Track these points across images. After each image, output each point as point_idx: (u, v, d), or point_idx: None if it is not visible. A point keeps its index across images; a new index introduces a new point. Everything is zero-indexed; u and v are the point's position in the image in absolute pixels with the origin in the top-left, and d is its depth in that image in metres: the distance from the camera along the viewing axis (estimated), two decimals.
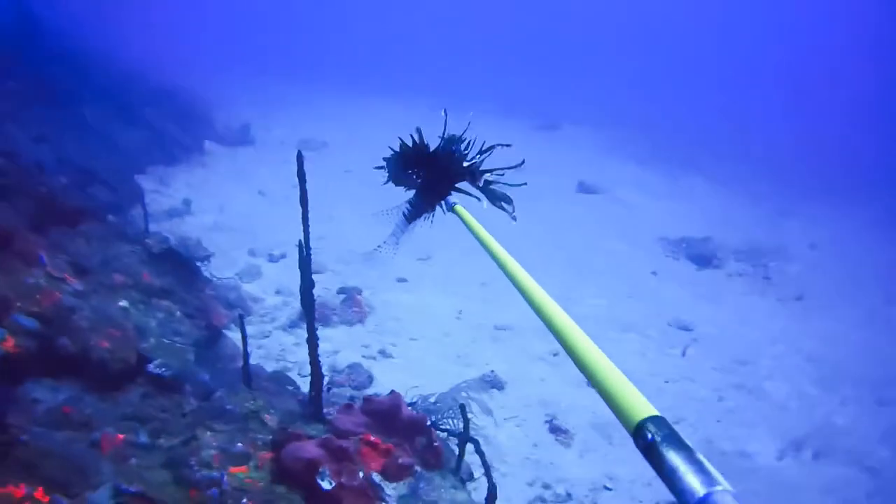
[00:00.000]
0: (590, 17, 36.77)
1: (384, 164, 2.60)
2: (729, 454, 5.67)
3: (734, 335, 7.83)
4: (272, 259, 8.50)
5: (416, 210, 2.52)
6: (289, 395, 4.84)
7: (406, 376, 6.26)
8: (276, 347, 6.51)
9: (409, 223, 2.59)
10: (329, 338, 6.77)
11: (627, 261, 9.75)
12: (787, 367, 7.24)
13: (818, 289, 9.49)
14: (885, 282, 10.30)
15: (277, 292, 7.72)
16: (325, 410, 3.96)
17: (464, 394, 4.51)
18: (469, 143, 2.32)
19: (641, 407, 0.86)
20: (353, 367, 6.09)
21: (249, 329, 6.80)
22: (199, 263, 6.29)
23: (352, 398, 4.92)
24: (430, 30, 30.79)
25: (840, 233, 12.55)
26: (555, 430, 5.72)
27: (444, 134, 2.35)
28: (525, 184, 2.39)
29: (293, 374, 6.02)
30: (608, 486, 5.19)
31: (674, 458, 0.74)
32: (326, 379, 6.03)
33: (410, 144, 2.40)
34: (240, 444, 3.43)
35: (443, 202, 2.45)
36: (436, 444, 3.56)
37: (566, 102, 20.37)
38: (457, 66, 25.50)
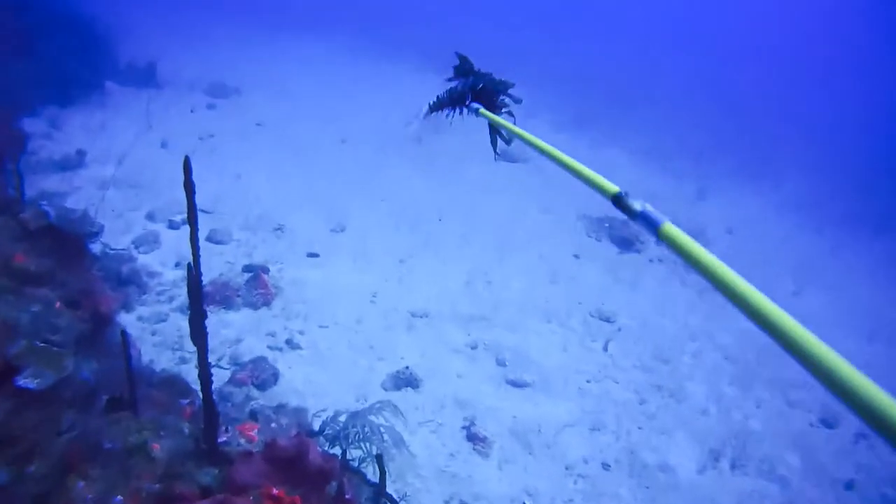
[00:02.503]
0: None
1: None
2: (651, 468, 5.48)
3: (655, 329, 7.67)
4: (173, 225, 7.82)
5: (447, 100, 2.90)
6: (181, 416, 4.35)
7: (314, 371, 5.83)
8: (174, 333, 5.94)
9: (436, 109, 2.93)
10: (231, 323, 6.25)
11: (549, 239, 9.46)
12: (706, 365, 7.12)
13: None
14: (794, 271, 10.43)
15: (177, 265, 7.10)
16: (222, 439, 3.54)
17: (372, 417, 4.12)
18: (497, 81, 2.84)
19: (611, 186, 1.36)
20: (257, 362, 5.60)
21: (143, 310, 6.24)
22: (86, 239, 5.63)
23: (252, 412, 4.47)
24: None
25: (755, 215, 12.66)
26: (472, 437, 5.40)
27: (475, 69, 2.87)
28: (521, 101, 2.86)
29: (191, 367, 5.51)
30: (527, 502, 4.95)
31: (636, 204, 1.23)
32: (227, 374, 5.56)
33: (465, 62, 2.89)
34: (119, 498, 2.98)
35: (465, 107, 2.85)
36: (347, 496, 3.18)
37: (487, 58, 19.72)
38: (378, 8, 24.49)
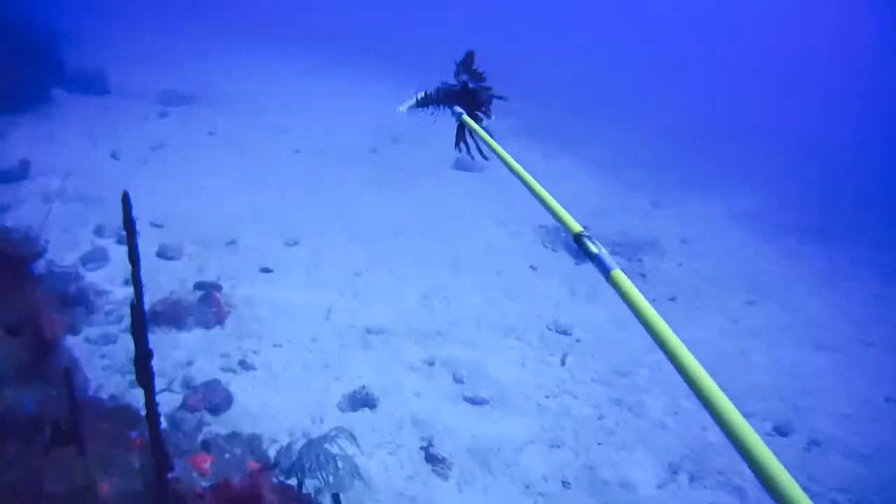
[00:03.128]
0: None
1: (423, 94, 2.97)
2: (612, 485, 5.46)
3: (612, 341, 7.68)
4: (122, 241, 7.60)
5: (432, 99, 2.94)
6: (130, 449, 4.20)
7: (269, 393, 5.71)
8: (123, 356, 5.76)
9: (423, 105, 2.96)
10: (183, 343, 6.09)
11: (506, 251, 9.44)
12: (663, 378, 7.14)
13: (689, 289, 9.54)
14: (745, 280, 10.55)
15: (127, 282, 6.89)
16: (172, 475, 3.41)
17: (327, 445, 4.03)
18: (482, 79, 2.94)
19: (574, 224, 1.44)
20: (210, 385, 5.46)
21: (91, 331, 6.05)
22: (29, 261, 5.43)
23: (205, 442, 4.34)
24: None
25: (707, 225, 12.78)
26: (431, 458, 5.33)
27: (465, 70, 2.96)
28: (507, 98, 2.99)
29: (138, 393, 5.35)
30: None
31: (593, 247, 1.36)
32: (179, 399, 5.41)
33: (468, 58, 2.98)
34: None
35: (449, 108, 2.89)
36: None
37: (437, 67, 19.64)
38: (329, 16, 24.29)
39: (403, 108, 3.00)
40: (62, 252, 7.21)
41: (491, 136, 2.51)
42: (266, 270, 7.61)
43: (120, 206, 7.31)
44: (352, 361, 6.36)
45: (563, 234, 10.27)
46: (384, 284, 7.89)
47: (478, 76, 2.97)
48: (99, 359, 5.74)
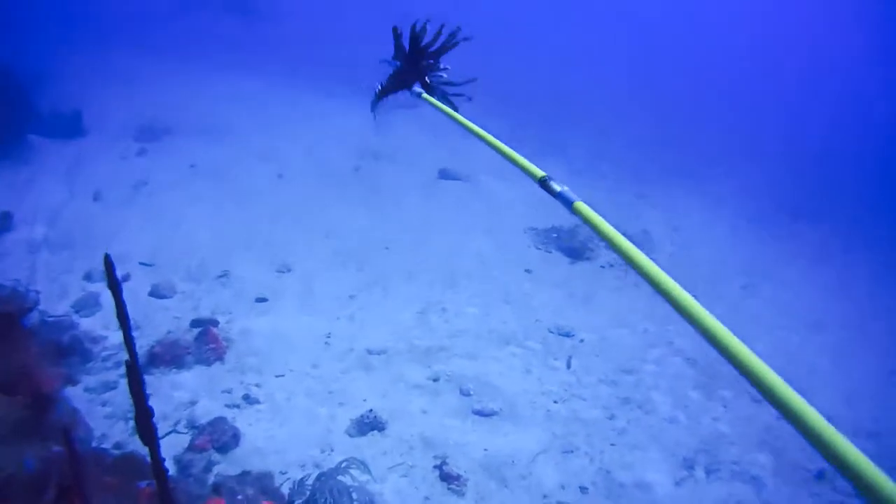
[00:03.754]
0: None
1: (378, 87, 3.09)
2: (628, 487, 5.42)
3: (615, 339, 7.65)
4: None
5: (388, 88, 3.06)
6: (138, 501, 4.13)
7: (275, 427, 5.64)
8: (125, 402, 5.67)
9: (383, 96, 3.08)
10: (184, 383, 6.01)
11: (498, 258, 9.39)
12: (669, 372, 7.12)
13: (685, 279, 9.49)
14: (739, 266, 10.58)
15: None
16: None
17: (340, 477, 3.97)
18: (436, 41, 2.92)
19: (538, 171, 1.61)
20: (216, 423, 5.39)
21: (89, 379, 5.97)
22: (20, 317, 5.35)
23: (216, 485, 4.27)
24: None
25: (694, 214, 12.80)
26: (446, 477, 5.27)
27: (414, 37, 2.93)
28: (476, 79, 3.02)
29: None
30: None
31: (557, 186, 1.54)
32: (186, 440, 5.34)
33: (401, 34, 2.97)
34: None
35: (408, 90, 2.99)
36: None
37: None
38: (308, 33, 24.17)
39: (373, 106, 3.13)
40: (53, 301, 7.12)
41: (451, 104, 2.79)
42: (261, 300, 7.54)
43: (106, 245, 7.20)
44: (355, 385, 6.30)
45: (554, 235, 10.24)
46: (380, 304, 7.83)
47: (431, 47, 2.98)
48: (100, 407, 5.66)
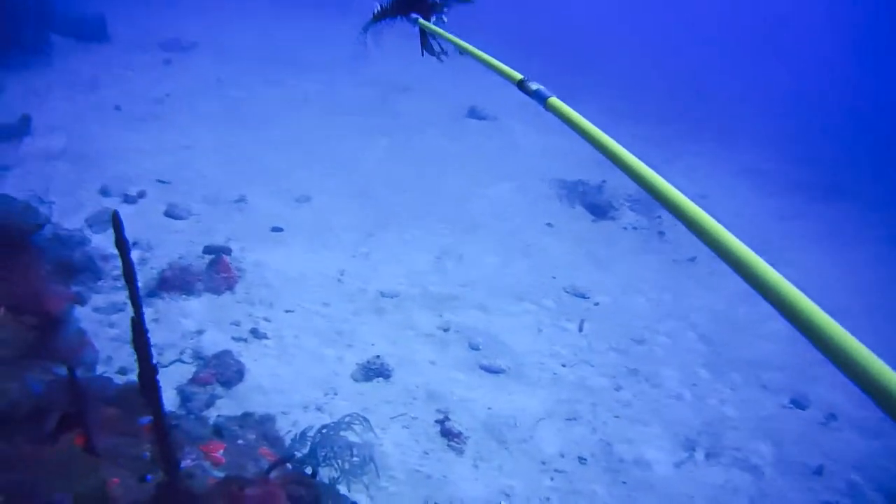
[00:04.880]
0: None
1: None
2: (627, 462, 5.36)
3: (630, 305, 7.51)
4: (128, 199, 7.44)
5: (388, 11, 3.06)
6: (140, 438, 4.10)
7: (281, 365, 5.59)
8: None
9: (379, 19, 3.09)
10: (193, 312, 5.95)
11: (520, 207, 9.22)
12: (680, 347, 6.98)
13: (706, 249, 9.35)
14: (755, 241, 10.31)
15: (134, 244, 6.73)
16: (185, 463, 3.33)
17: (343, 433, 3.91)
18: None
19: (516, 74, 1.70)
20: (221, 357, 5.34)
21: (98, 299, 5.92)
22: (30, 234, 5.27)
23: (217, 427, 4.23)
24: None
25: (716, 182, 12.53)
26: (447, 433, 5.23)
27: None
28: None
29: None
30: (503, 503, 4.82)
31: (533, 85, 1.62)
32: (190, 371, 5.31)
33: None
34: None
35: (405, 17, 2.98)
36: None
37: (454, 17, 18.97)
38: None
39: (365, 27, 3.16)
40: (67, 214, 7.04)
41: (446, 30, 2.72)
42: (276, 230, 7.44)
43: (125, 158, 7.05)
44: (365, 328, 6.23)
45: (580, 189, 10.03)
46: (396, 244, 7.71)
47: None
48: (107, 328, 5.62)
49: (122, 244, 2.31)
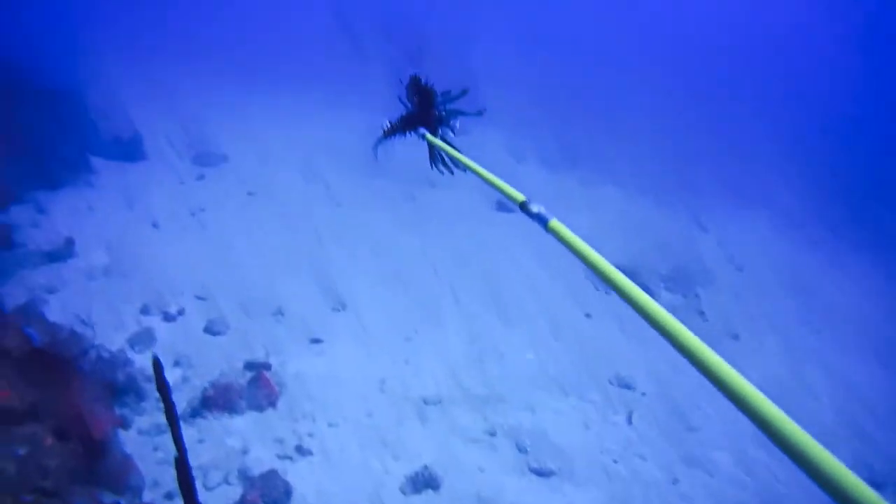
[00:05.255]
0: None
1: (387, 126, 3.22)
2: None
3: (676, 391, 7.33)
4: (168, 318, 7.48)
5: (397, 127, 3.19)
6: None
7: (327, 480, 5.48)
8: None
9: (390, 135, 3.23)
10: (237, 430, 5.89)
11: (555, 296, 9.15)
12: (729, 426, 6.79)
13: (749, 323, 9.23)
14: (802, 301, 10.22)
15: (176, 363, 6.75)
16: None
17: None
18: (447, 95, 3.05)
19: (518, 195, 1.73)
20: (267, 477, 5.24)
21: (142, 421, 5.89)
22: (76, 361, 5.31)
23: None
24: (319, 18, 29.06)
25: (754, 239, 12.46)
26: None
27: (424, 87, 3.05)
28: (484, 109, 3.05)
29: (197, 486, 5.16)
30: None
31: (535, 208, 1.65)
32: (237, 493, 5.21)
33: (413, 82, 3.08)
34: None
35: (414, 132, 3.10)
36: None
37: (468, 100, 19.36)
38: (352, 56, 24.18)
39: (377, 142, 3.26)
40: (110, 333, 7.10)
41: (455, 148, 2.81)
42: (316, 341, 7.41)
43: (163, 275, 7.10)
44: (410, 437, 6.12)
45: None
46: (436, 344, 7.65)
47: (446, 96, 3.09)
48: (152, 451, 5.57)
49: (164, 387, 2.29)
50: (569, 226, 1.54)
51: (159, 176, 11.82)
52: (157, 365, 2.28)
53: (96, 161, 11.79)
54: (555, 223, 1.54)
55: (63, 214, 9.86)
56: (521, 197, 1.74)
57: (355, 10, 25.04)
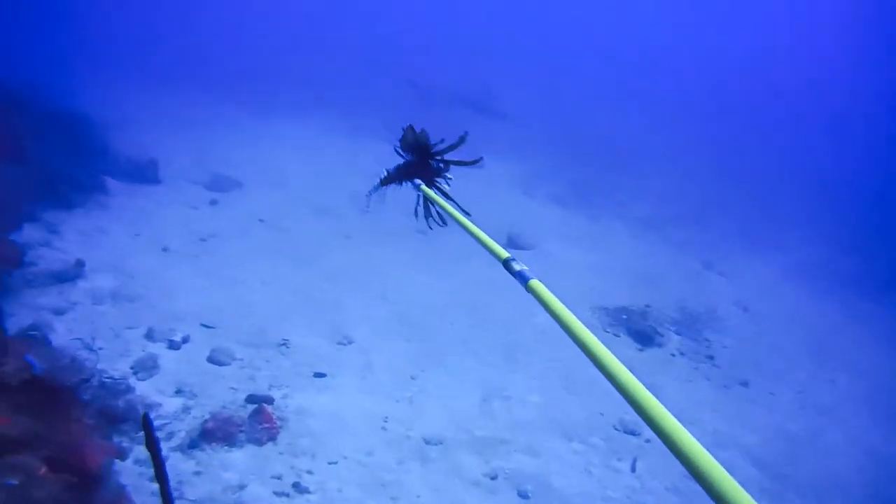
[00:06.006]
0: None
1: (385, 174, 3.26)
2: None
3: None
4: (172, 345, 7.43)
5: (393, 177, 3.23)
6: None
7: None
8: (173, 478, 5.50)
9: (387, 183, 3.26)
10: (234, 464, 5.80)
11: (562, 338, 9.03)
12: (738, 478, 6.63)
13: (758, 368, 9.11)
14: (812, 349, 10.08)
15: (178, 392, 6.69)
16: None
17: None
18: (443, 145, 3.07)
19: (503, 252, 1.74)
20: None
21: (140, 450, 5.81)
22: (75, 390, 5.24)
23: None
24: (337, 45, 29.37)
25: (764, 284, 12.31)
26: None
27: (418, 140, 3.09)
28: (481, 158, 3.04)
29: None
30: None
31: (517, 266, 1.65)
32: None
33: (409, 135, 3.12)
34: None
35: (410, 182, 3.13)
36: None
37: (479, 132, 19.64)
38: (368, 82, 24.37)
39: (372, 190, 3.30)
40: (114, 358, 7.05)
41: (451, 200, 2.88)
42: (319, 375, 7.34)
43: (170, 301, 7.06)
44: (410, 478, 6.01)
45: (623, 317, 9.88)
46: (441, 385, 7.56)
47: (442, 146, 3.10)
48: (148, 482, 5.49)
49: (154, 445, 2.23)
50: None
51: (172, 200, 11.86)
52: (147, 423, 2.21)
53: (110, 182, 11.84)
54: (535, 283, 1.55)
55: (74, 235, 9.88)
56: (504, 254, 1.77)
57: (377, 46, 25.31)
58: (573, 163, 17.72)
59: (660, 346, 9.39)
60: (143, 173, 12.55)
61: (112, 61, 20.26)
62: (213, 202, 12.06)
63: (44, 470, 4.30)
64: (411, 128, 3.10)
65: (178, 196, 12.08)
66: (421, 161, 3.16)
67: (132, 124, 14.67)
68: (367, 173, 3.33)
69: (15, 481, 4.08)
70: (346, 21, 33.88)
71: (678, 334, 9.82)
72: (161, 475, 2.28)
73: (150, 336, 7.56)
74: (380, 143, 17.60)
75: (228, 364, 7.29)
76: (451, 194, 3.09)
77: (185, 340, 7.57)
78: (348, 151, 16.84)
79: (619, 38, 37.20)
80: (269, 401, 6.57)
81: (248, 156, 14.93)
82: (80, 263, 8.81)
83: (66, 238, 9.77)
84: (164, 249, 9.87)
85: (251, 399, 6.57)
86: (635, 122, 23.90)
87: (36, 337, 6.42)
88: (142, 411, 6.31)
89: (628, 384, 1.09)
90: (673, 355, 9.25)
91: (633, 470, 6.69)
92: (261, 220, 11.48)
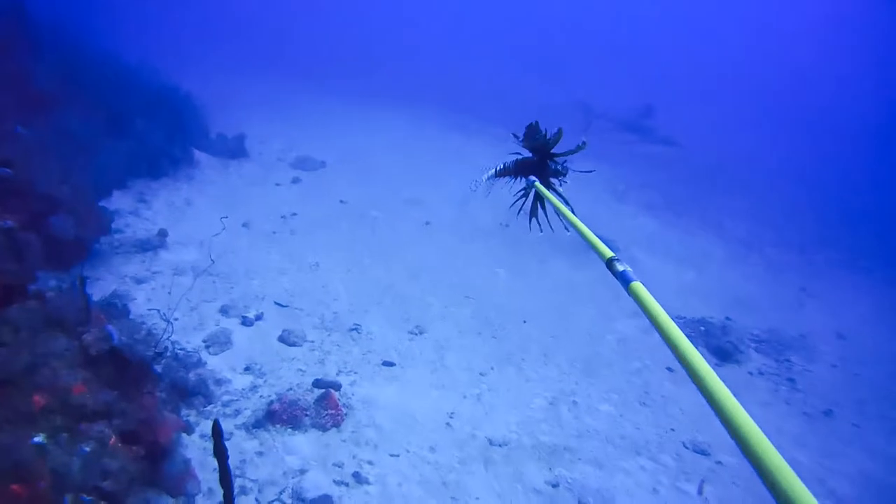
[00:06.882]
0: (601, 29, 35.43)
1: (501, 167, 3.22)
2: None
3: None
4: (246, 322, 7.53)
5: (509, 170, 3.19)
6: None
7: None
8: (235, 457, 5.55)
9: (501, 175, 3.20)
10: (297, 448, 5.82)
11: (641, 347, 8.80)
12: None
13: (847, 400, 8.61)
14: None
15: (247, 369, 6.76)
16: None
17: None
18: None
19: (608, 251, 1.67)
20: (319, 503, 5.15)
21: (207, 425, 5.88)
22: (149, 363, 5.33)
23: None
24: (437, 39, 29.39)
25: (866, 316, 11.68)
26: None
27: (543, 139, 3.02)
28: (593, 171, 3.05)
29: (250, 500, 5.13)
30: None
31: (619, 266, 1.56)
32: None
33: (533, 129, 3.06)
34: None
35: (525, 178, 3.13)
36: None
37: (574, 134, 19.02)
38: (466, 78, 24.32)
39: (483, 178, 3.23)
40: (188, 331, 7.19)
41: (566, 202, 2.77)
42: (388, 364, 7.31)
43: (247, 277, 7.08)
44: (471, 479, 5.91)
45: (702, 329, 9.55)
46: (511, 385, 7.43)
47: (562, 148, 3.04)
48: (212, 459, 5.55)
49: (221, 453, 2.18)
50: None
51: (257, 175, 12.05)
52: (217, 431, 2.17)
53: (200, 156, 12.10)
54: (636, 285, 1.47)
55: (161, 206, 10.13)
56: (609, 253, 1.72)
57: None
58: (671, 174, 17.29)
59: (738, 362, 9.03)
60: (232, 148, 12.82)
61: (213, 48, 20.79)
62: (297, 180, 12.19)
63: (113, 440, 4.38)
64: (536, 125, 3.04)
65: (263, 172, 12.28)
66: (539, 160, 3.12)
67: (228, 102, 15.00)
68: (463, 174, 3.28)
69: (88, 449, 4.16)
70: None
71: (759, 352, 9.42)
72: (226, 482, 2.24)
73: (224, 311, 7.68)
74: (489, 147, 17.53)
75: (299, 345, 7.33)
76: (565, 195, 3.02)
77: (259, 318, 7.65)
78: (449, 150, 16.79)
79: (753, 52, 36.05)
80: (337, 387, 6.57)
81: (334, 139, 15.07)
82: (163, 233, 9.02)
83: (154, 208, 10.02)
84: (245, 224, 10.02)
85: (318, 383, 6.58)
86: (745, 139, 23.14)
87: (116, 306, 6.57)
88: (212, 388, 6.41)
89: (723, 399, 0.99)
90: (751, 374, 8.88)
91: (700, 493, 6.44)
92: (342, 202, 11.53)
